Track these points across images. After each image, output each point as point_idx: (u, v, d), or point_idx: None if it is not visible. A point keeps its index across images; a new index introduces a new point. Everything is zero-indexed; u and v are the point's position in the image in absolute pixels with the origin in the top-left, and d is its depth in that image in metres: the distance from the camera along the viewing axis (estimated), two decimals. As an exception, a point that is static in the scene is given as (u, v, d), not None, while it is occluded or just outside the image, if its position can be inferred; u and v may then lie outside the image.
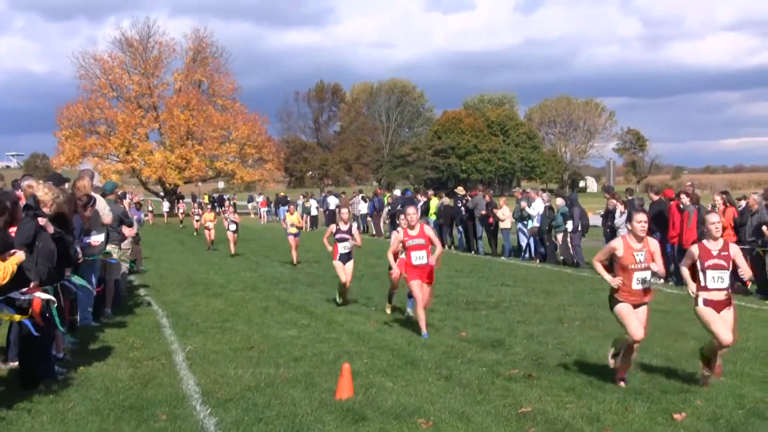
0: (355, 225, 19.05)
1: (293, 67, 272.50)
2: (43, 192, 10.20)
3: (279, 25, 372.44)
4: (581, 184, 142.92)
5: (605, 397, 9.51)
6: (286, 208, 57.52)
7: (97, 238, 12.34)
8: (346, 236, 17.62)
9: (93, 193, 13.68)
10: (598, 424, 8.59)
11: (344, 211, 18.75)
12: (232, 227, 31.47)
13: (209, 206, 45.17)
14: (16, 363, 10.48)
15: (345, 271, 17.40)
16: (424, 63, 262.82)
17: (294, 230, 28.09)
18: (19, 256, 9.14)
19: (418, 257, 13.67)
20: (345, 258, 17.57)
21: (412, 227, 13.81)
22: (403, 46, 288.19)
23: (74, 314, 12.85)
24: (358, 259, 22.68)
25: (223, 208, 45.03)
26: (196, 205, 57.14)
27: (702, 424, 8.56)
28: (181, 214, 59.16)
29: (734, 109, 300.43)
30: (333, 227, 18.19)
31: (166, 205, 60.32)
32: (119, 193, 19.22)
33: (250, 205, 72.08)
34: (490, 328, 14.45)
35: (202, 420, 8.76)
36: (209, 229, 34.90)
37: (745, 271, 10.64)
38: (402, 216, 14.28)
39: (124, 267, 17.73)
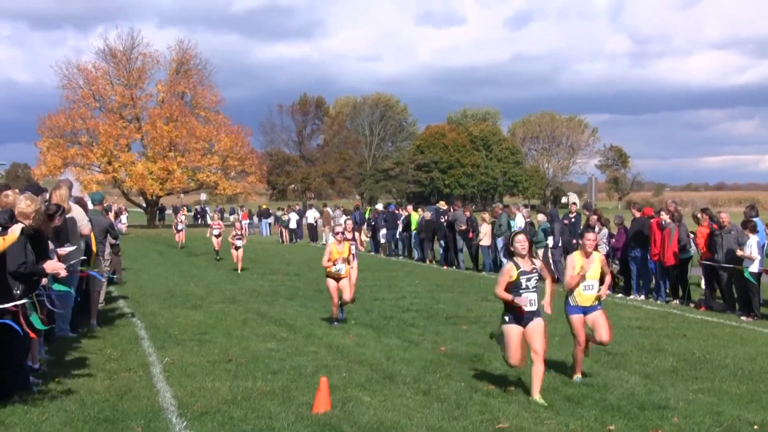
0: (353, 246, 17.76)
1: (280, 80, 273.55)
2: (26, 204, 10.01)
3: (267, 38, 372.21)
4: (563, 200, 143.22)
5: (583, 414, 9.50)
6: (269, 220, 57.69)
7: (64, 249, 12.17)
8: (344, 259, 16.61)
9: (70, 203, 13.62)
10: (575, 440, 8.58)
11: (338, 230, 17.01)
12: (238, 243, 30.12)
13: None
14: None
15: (341, 290, 16.67)
16: (410, 77, 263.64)
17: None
18: (14, 233, 9.12)
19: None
20: (338, 278, 16.70)
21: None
22: (390, 60, 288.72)
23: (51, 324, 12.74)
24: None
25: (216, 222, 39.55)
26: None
27: (679, 442, 8.57)
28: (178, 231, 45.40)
29: (718, 127, 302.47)
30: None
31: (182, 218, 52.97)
32: (105, 205, 19.12)
33: (232, 218, 71.91)
34: (469, 343, 14.43)
35: (177, 433, 8.70)
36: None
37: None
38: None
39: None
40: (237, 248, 29.66)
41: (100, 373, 11.67)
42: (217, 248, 35.72)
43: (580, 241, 12.08)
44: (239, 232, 30.13)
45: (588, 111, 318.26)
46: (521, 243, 10.60)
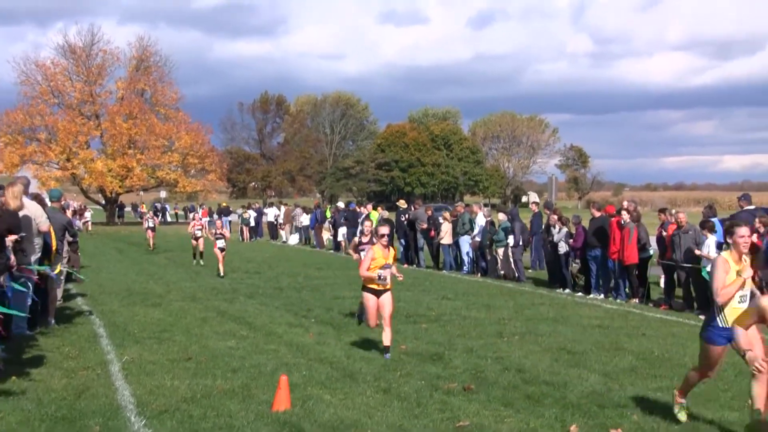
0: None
1: (241, 78, 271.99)
2: None
3: (229, 35, 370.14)
4: (524, 199, 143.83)
5: (543, 412, 9.52)
6: (229, 218, 57.41)
7: (12, 236, 11.98)
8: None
9: (27, 200, 13.47)
10: (535, 438, 8.59)
11: (383, 232, 13.25)
12: (221, 243, 27.07)
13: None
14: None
15: (380, 307, 13.09)
16: (373, 75, 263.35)
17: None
18: None
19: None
20: (379, 291, 13.10)
21: None
22: (353, 58, 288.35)
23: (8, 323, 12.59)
24: (298, 270, 22.55)
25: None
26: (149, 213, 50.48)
27: (638, 439, 8.60)
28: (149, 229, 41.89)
29: (677, 127, 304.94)
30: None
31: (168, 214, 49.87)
32: (63, 203, 18.92)
33: (191, 216, 71.65)
34: (429, 341, 14.43)
35: (136, 432, 8.62)
36: None
37: None
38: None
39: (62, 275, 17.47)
40: (221, 249, 27.04)
41: (58, 371, 11.53)
42: (200, 249, 31.89)
43: (729, 240, 8.89)
44: (220, 232, 27.88)
45: (549, 111, 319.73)
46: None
